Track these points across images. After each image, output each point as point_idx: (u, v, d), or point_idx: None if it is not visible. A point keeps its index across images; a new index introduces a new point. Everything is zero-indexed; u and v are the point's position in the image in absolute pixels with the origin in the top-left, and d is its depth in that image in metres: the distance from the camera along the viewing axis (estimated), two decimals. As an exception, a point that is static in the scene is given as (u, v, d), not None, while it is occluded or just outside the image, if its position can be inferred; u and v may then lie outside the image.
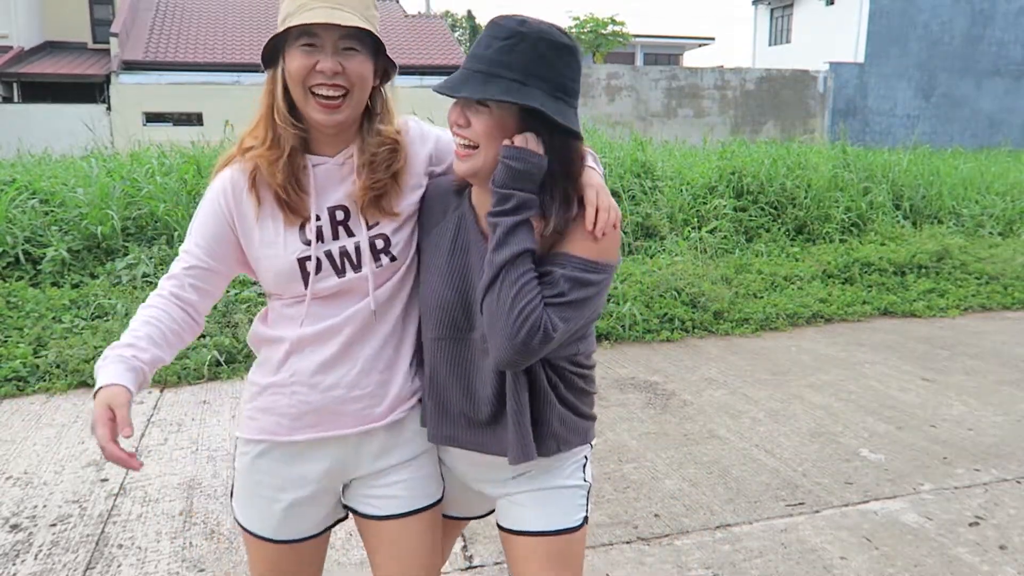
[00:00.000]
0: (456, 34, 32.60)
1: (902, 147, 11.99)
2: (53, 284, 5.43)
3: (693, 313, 5.64)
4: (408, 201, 1.48)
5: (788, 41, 28.51)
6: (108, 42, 19.01)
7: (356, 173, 1.43)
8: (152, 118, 17.05)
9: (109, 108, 16.86)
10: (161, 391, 4.37)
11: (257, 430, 1.49)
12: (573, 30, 27.12)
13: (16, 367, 4.36)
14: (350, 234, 1.44)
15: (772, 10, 29.28)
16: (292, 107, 1.38)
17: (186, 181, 6.53)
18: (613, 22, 26.90)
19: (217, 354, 4.62)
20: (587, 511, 1.51)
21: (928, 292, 6.44)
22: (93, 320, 4.96)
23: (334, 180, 1.44)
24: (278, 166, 1.38)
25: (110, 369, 1.32)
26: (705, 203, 7.57)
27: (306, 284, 1.42)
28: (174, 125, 16.57)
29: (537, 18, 1.30)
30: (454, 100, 1.31)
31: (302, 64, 1.33)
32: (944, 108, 23.68)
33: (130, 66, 17.96)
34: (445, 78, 1.31)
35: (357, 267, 1.44)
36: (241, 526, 1.54)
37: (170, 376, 4.46)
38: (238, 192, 1.42)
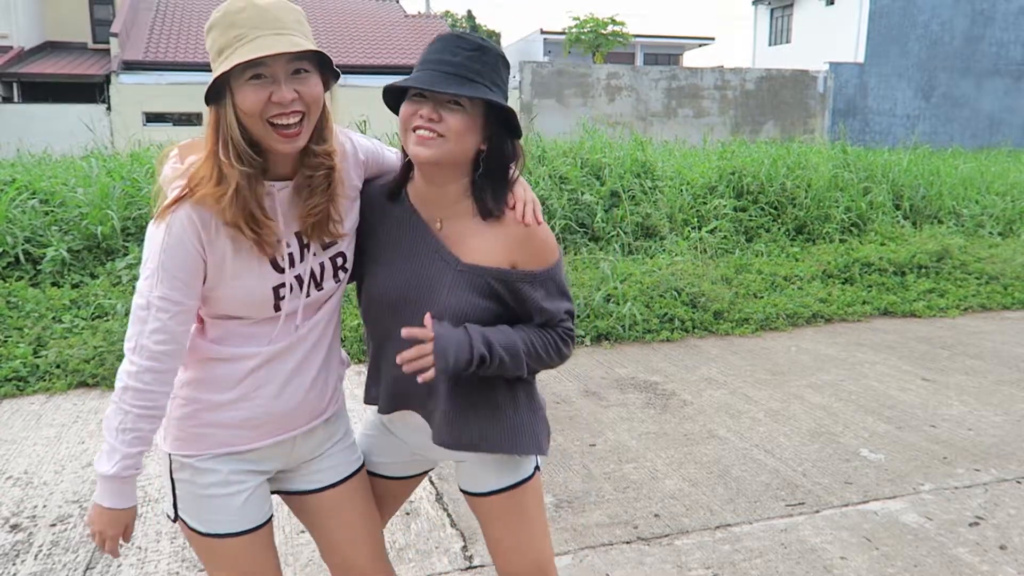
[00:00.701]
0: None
1: (902, 147, 12.00)
2: (53, 284, 5.43)
3: (693, 313, 5.64)
4: (351, 217, 1.54)
5: (788, 41, 28.51)
6: (108, 42, 19.02)
7: (303, 197, 1.44)
8: (152, 118, 17.05)
9: (109, 108, 16.86)
10: (161, 391, 4.37)
11: (213, 444, 1.50)
12: (573, 30, 27.15)
13: (16, 367, 4.37)
14: (313, 254, 1.49)
15: (772, 10, 29.28)
16: (247, 139, 1.34)
17: (186, 181, 6.52)
18: (613, 22, 26.91)
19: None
20: (537, 460, 1.67)
21: (928, 292, 6.44)
22: (93, 320, 4.96)
23: (293, 206, 1.45)
24: (227, 203, 1.33)
25: (128, 488, 1.45)
26: (705, 203, 7.57)
27: (277, 308, 1.46)
28: (174, 125, 16.58)
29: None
30: (414, 97, 1.43)
31: (257, 99, 1.30)
32: (944, 108, 23.68)
33: (130, 66, 17.96)
34: (410, 76, 1.41)
35: (319, 286, 1.51)
36: (202, 535, 1.52)
37: (170, 376, 4.45)
38: (207, 227, 1.36)
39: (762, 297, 6.09)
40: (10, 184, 6.29)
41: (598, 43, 27.17)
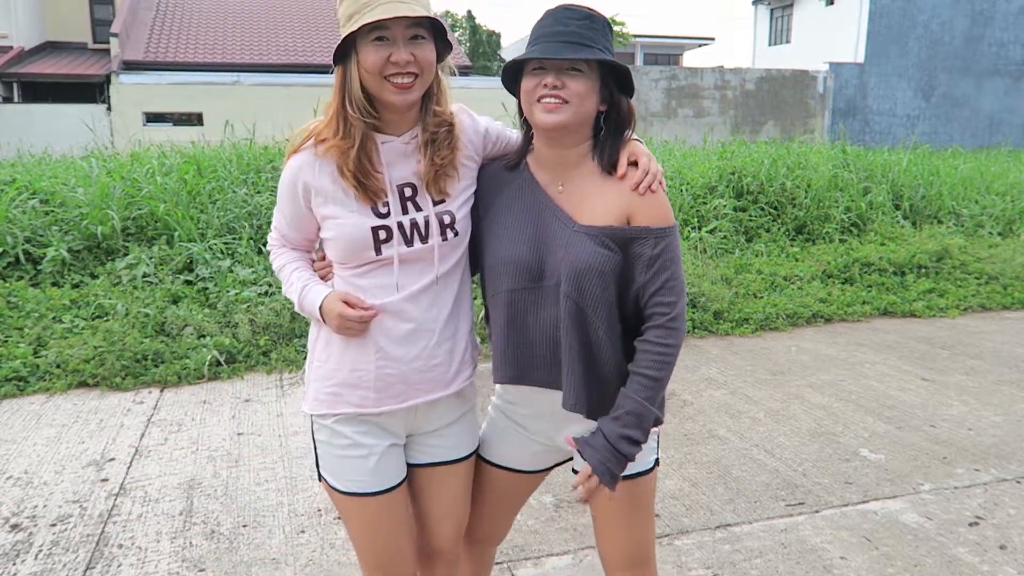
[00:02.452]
0: (456, 34, 32.61)
1: (902, 147, 11.99)
2: (53, 284, 5.43)
3: (693, 313, 5.64)
4: (466, 181, 1.65)
5: (788, 41, 28.50)
6: (108, 42, 19.02)
7: (420, 152, 1.58)
8: (152, 118, 17.03)
9: (109, 108, 16.85)
10: (161, 391, 4.37)
11: (344, 404, 1.61)
12: (573, 30, 27.07)
13: (16, 367, 4.36)
14: (418, 208, 1.58)
15: (772, 10, 29.27)
16: (365, 95, 1.52)
17: (186, 181, 6.53)
18: (613, 22, 26.91)
19: (217, 354, 4.62)
20: (658, 454, 1.72)
21: (928, 292, 6.44)
22: (93, 320, 4.96)
23: (400, 158, 1.58)
24: (351, 154, 1.51)
25: (317, 288, 1.60)
26: (705, 203, 7.57)
27: (378, 251, 1.55)
28: (174, 125, 16.56)
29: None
30: (534, 70, 1.51)
31: (378, 58, 1.47)
32: (944, 108, 23.66)
33: (130, 66, 17.97)
34: (527, 52, 1.51)
35: (424, 239, 1.58)
36: (339, 492, 1.64)
37: (170, 376, 4.46)
38: (312, 174, 1.55)
39: (762, 297, 6.09)
40: (10, 184, 6.29)
41: (598, 43, 27.14)
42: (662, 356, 1.53)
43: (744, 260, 6.82)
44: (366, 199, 1.54)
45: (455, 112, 1.64)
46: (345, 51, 1.51)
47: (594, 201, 1.56)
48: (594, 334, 1.56)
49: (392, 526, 1.65)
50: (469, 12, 37.16)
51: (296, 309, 1.64)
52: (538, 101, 1.50)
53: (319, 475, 1.68)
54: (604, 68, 1.52)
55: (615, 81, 1.55)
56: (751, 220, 7.56)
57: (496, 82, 19.84)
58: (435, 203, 1.59)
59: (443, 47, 1.56)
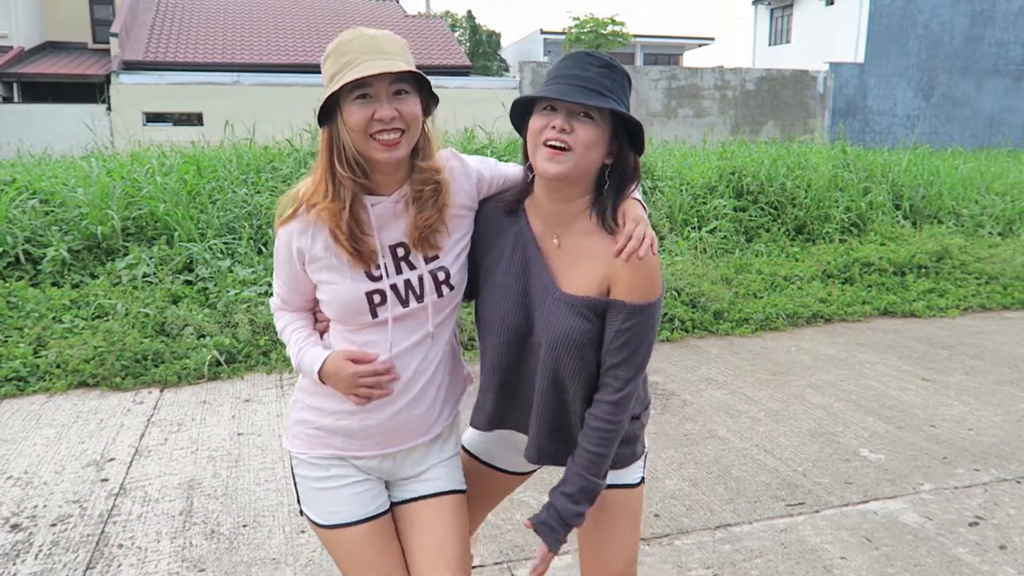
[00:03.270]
0: (456, 34, 32.60)
1: (902, 147, 11.99)
2: (53, 284, 5.43)
3: (693, 313, 5.64)
4: (459, 233, 1.61)
5: (788, 41, 28.50)
6: (108, 42, 19.01)
7: (411, 208, 1.54)
8: (152, 118, 17.04)
9: (109, 108, 16.85)
10: (161, 391, 4.37)
11: (325, 447, 1.63)
12: (573, 30, 27.15)
13: (16, 367, 4.36)
14: (411, 267, 1.57)
15: (772, 10, 29.27)
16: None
17: (186, 181, 6.53)
18: (613, 22, 26.90)
19: (217, 354, 4.62)
20: (644, 472, 1.74)
21: (928, 292, 6.44)
22: (93, 320, 4.96)
23: (391, 219, 1.55)
24: (342, 217, 1.49)
25: (313, 351, 1.59)
26: (705, 203, 7.57)
27: (374, 315, 1.55)
28: (174, 125, 16.56)
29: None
30: (544, 109, 1.47)
31: (362, 117, 1.44)
32: (944, 108, 23.66)
33: (130, 66, 17.96)
34: (541, 90, 1.46)
35: (420, 298, 1.57)
36: (323, 527, 1.63)
37: (170, 376, 4.46)
38: (305, 241, 1.54)
39: (762, 297, 6.09)
40: (10, 184, 6.29)
41: (598, 43, 27.15)
42: (607, 433, 1.53)
43: (744, 260, 6.82)
44: (359, 264, 1.52)
45: (446, 159, 1.60)
46: (330, 111, 1.48)
47: (583, 264, 1.53)
48: (569, 398, 1.58)
49: (375, 555, 1.61)
50: (469, 12, 37.09)
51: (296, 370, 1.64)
52: (544, 144, 1.45)
53: (300, 510, 1.68)
54: (616, 120, 1.48)
55: (626, 134, 1.50)
56: (751, 220, 7.56)
57: (495, 82, 19.83)
58: (428, 260, 1.57)
59: (429, 100, 1.54)
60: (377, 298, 1.54)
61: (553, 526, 1.57)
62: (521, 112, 1.54)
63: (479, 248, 1.63)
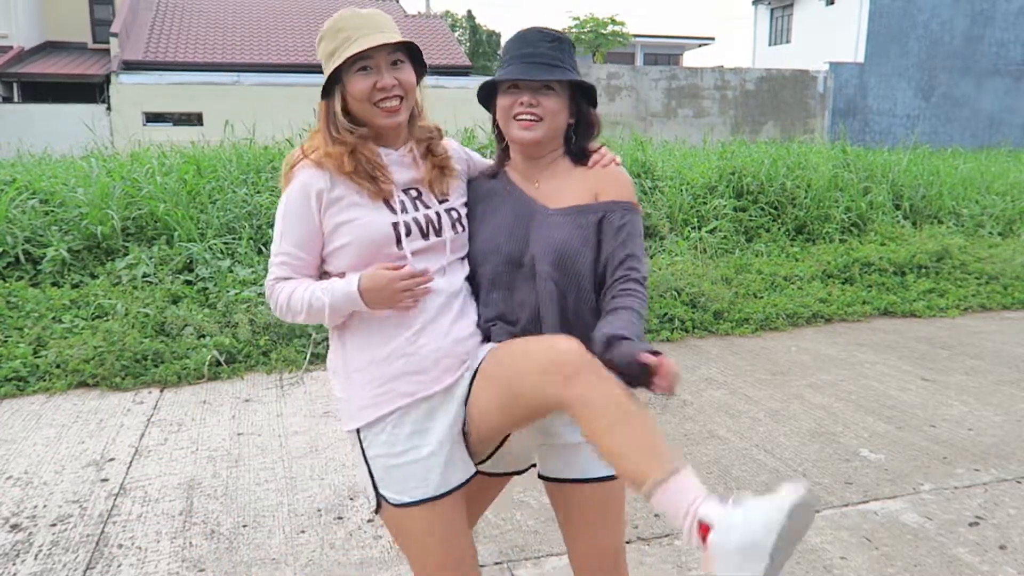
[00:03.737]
0: (456, 34, 32.58)
1: (902, 147, 11.99)
2: (53, 284, 5.43)
3: (693, 313, 5.64)
4: (461, 184, 1.78)
5: (788, 41, 28.50)
6: (108, 42, 19.02)
7: (418, 160, 1.69)
8: (152, 118, 17.04)
9: (109, 108, 16.85)
10: (161, 391, 4.37)
11: (399, 397, 1.59)
12: (573, 30, 27.15)
13: (16, 367, 4.37)
14: (426, 207, 1.67)
15: (772, 10, 29.27)
16: (351, 119, 1.62)
17: (186, 181, 6.53)
18: (613, 22, 26.91)
19: (217, 354, 4.62)
20: None
21: (928, 292, 6.44)
22: (93, 320, 4.96)
23: (401, 167, 1.68)
24: (345, 158, 1.58)
25: (340, 282, 1.58)
26: (705, 203, 7.56)
27: (399, 245, 1.60)
28: (174, 125, 16.57)
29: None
30: (508, 89, 1.66)
31: (365, 85, 1.58)
32: (944, 108, 23.66)
33: (130, 66, 17.96)
34: (503, 73, 1.65)
35: (439, 232, 1.67)
36: (402, 505, 1.59)
37: (170, 376, 4.46)
38: (324, 181, 1.59)
39: (762, 297, 6.09)
40: (10, 184, 6.29)
41: (598, 43, 27.16)
42: (643, 300, 1.62)
43: (744, 260, 6.82)
44: (379, 195, 1.61)
45: (436, 126, 1.77)
46: (329, 86, 1.61)
47: (566, 189, 1.70)
48: (570, 308, 1.65)
49: (460, 532, 1.62)
50: (469, 12, 37.09)
51: (327, 320, 1.60)
52: (515, 118, 1.64)
53: (377, 499, 1.62)
54: (572, 85, 1.68)
55: (583, 95, 1.72)
56: (751, 220, 7.55)
57: (496, 82, 19.78)
58: (440, 201, 1.70)
59: (419, 69, 1.68)
60: (402, 228, 1.61)
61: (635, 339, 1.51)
62: (487, 94, 1.73)
63: (470, 211, 1.77)
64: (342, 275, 1.62)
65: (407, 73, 1.62)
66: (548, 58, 1.63)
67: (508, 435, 1.71)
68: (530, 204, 1.71)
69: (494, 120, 1.73)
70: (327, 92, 1.62)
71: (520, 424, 1.61)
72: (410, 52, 1.64)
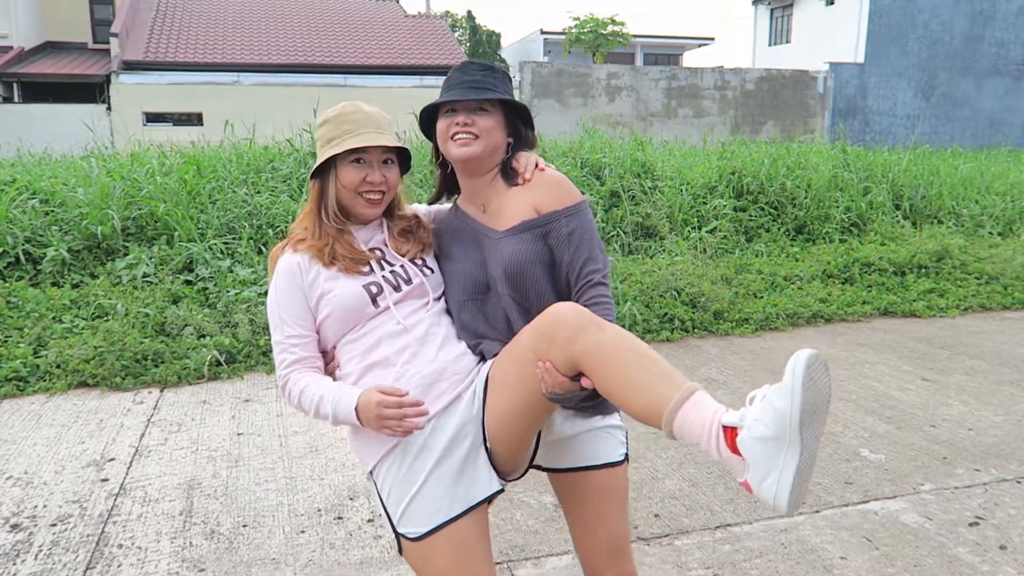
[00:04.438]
0: (456, 34, 32.58)
1: (902, 147, 11.98)
2: (53, 284, 5.43)
3: (693, 313, 5.64)
4: (426, 245, 1.89)
5: (788, 41, 28.50)
6: (108, 42, 19.01)
7: (384, 223, 1.85)
8: (152, 118, 17.05)
9: (109, 108, 16.86)
10: (161, 391, 4.37)
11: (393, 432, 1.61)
12: (573, 30, 27.16)
13: (16, 367, 4.36)
14: (390, 264, 1.80)
15: (772, 10, 29.27)
16: (339, 206, 1.78)
17: (186, 181, 6.53)
18: (613, 22, 26.91)
19: (217, 354, 4.62)
20: (627, 449, 1.81)
21: (928, 292, 6.44)
22: (93, 320, 4.96)
23: (367, 235, 1.84)
24: (326, 251, 1.75)
25: (344, 392, 1.63)
26: (705, 203, 7.56)
27: (375, 304, 1.72)
28: (174, 125, 16.57)
29: None
30: (446, 112, 1.76)
31: (355, 177, 1.75)
32: (944, 108, 23.67)
33: (130, 66, 17.96)
34: (443, 94, 1.76)
35: (408, 281, 1.78)
36: (425, 535, 1.57)
37: (170, 376, 4.46)
38: (304, 268, 1.75)
39: (762, 297, 6.09)
40: (10, 184, 6.29)
41: (598, 43, 27.17)
42: (607, 305, 1.67)
43: (744, 260, 6.82)
44: (352, 269, 1.74)
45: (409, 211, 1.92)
46: (323, 168, 1.77)
47: (509, 207, 1.76)
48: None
49: (484, 546, 1.62)
50: (469, 12, 37.08)
51: (332, 424, 1.67)
52: (452, 138, 1.73)
53: (397, 539, 1.61)
54: (507, 108, 1.78)
55: (519, 118, 1.81)
56: (751, 220, 7.55)
57: (496, 82, 19.77)
58: (401, 255, 1.82)
59: (404, 168, 1.85)
60: (374, 288, 1.73)
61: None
62: (428, 122, 1.83)
63: (440, 249, 1.89)
64: (333, 350, 1.76)
65: (394, 174, 1.80)
66: (480, 83, 1.74)
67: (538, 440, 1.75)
68: (482, 230, 1.79)
69: (435, 147, 1.84)
70: (317, 173, 1.78)
71: (543, 416, 1.61)
72: (400, 155, 1.81)
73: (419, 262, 1.83)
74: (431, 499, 1.58)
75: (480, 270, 1.77)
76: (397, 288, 1.76)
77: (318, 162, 1.76)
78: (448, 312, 1.82)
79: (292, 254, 1.77)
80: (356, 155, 1.74)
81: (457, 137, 1.72)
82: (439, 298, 1.82)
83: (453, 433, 1.62)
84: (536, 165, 1.79)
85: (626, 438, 1.81)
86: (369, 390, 1.59)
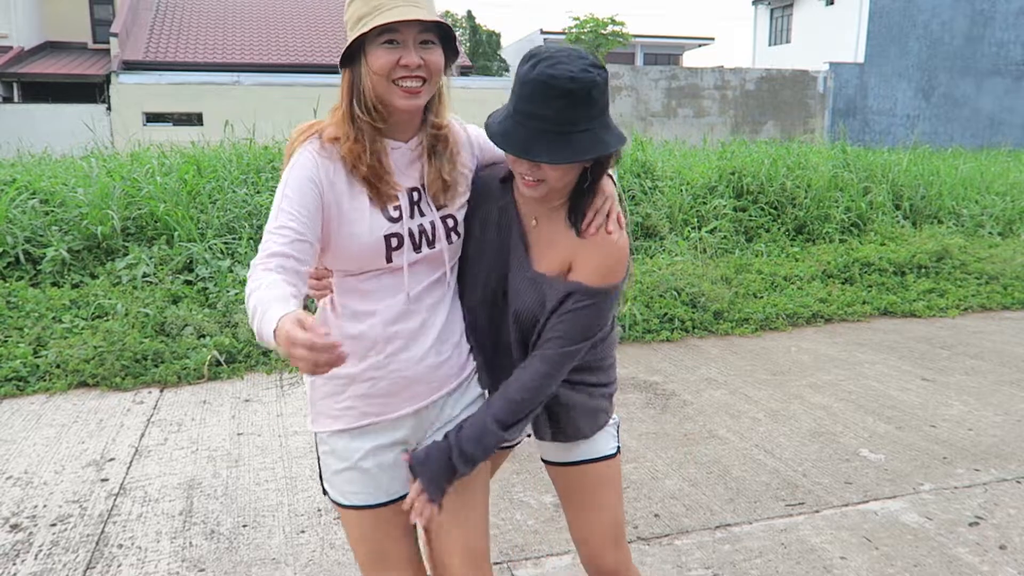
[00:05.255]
0: (456, 34, 32.46)
1: (902, 147, 11.99)
2: (53, 284, 5.43)
3: (693, 313, 5.64)
4: (463, 187, 1.64)
5: (788, 41, 28.50)
6: (108, 42, 19.03)
7: (424, 159, 1.57)
8: (152, 118, 17.04)
9: (109, 108, 16.85)
10: (161, 391, 4.37)
11: (359, 416, 1.59)
12: (573, 30, 27.15)
13: (16, 367, 4.36)
14: (422, 214, 1.57)
15: (772, 10, 29.27)
16: (376, 97, 1.48)
17: (186, 181, 6.53)
18: (613, 22, 26.89)
19: (217, 354, 4.62)
20: (618, 442, 1.81)
21: (928, 292, 6.44)
22: (93, 320, 4.96)
23: (407, 163, 1.57)
24: (364, 158, 1.49)
25: (275, 308, 1.26)
26: (705, 203, 7.56)
27: (388, 259, 1.53)
28: (174, 125, 16.57)
29: (567, 54, 1.42)
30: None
31: (387, 60, 1.44)
32: (944, 108, 23.67)
33: (130, 66, 17.97)
34: (504, 131, 1.43)
35: (432, 243, 1.57)
36: (343, 506, 1.64)
37: (170, 376, 4.46)
38: (326, 170, 1.50)
39: (762, 297, 6.09)
40: (10, 184, 6.28)
41: (598, 43, 27.14)
42: (533, 384, 1.55)
43: (744, 260, 6.82)
44: (378, 202, 1.52)
45: (452, 124, 1.64)
46: (353, 54, 1.47)
47: (552, 245, 1.58)
48: (531, 349, 1.63)
49: (393, 537, 1.65)
50: (469, 12, 37.07)
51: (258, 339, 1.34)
52: (520, 175, 1.49)
53: (323, 488, 1.69)
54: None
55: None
56: (751, 220, 7.55)
57: (496, 82, 19.82)
58: (438, 207, 1.59)
59: (451, 54, 1.53)
60: (394, 241, 1.53)
61: (430, 459, 1.54)
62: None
63: (470, 208, 1.67)
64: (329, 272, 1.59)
65: (435, 55, 1.48)
66: (555, 124, 1.39)
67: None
68: (518, 248, 1.61)
69: None
70: (348, 61, 1.49)
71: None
72: (442, 36, 1.50)
73: (450, 222, 1.60)
74: (356, 481, 1.61)
75: (499, 281, 1.64)
76: (417, 248, 1.56)
77: (346, 45, 1.46)
78: (459, 296, 1.69)
79: (319, 147, 1.50)
80: (388, 35, 1.43)
81: (525, 178, 1.48)
82: (452, 267, 1.66)
83: (401, 438, 1.63)
84: (608, 220, 1.54)
85: (618, 431, 1.84)
86: (287, 319, 1.19)
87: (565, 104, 1.38)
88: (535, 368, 1.56)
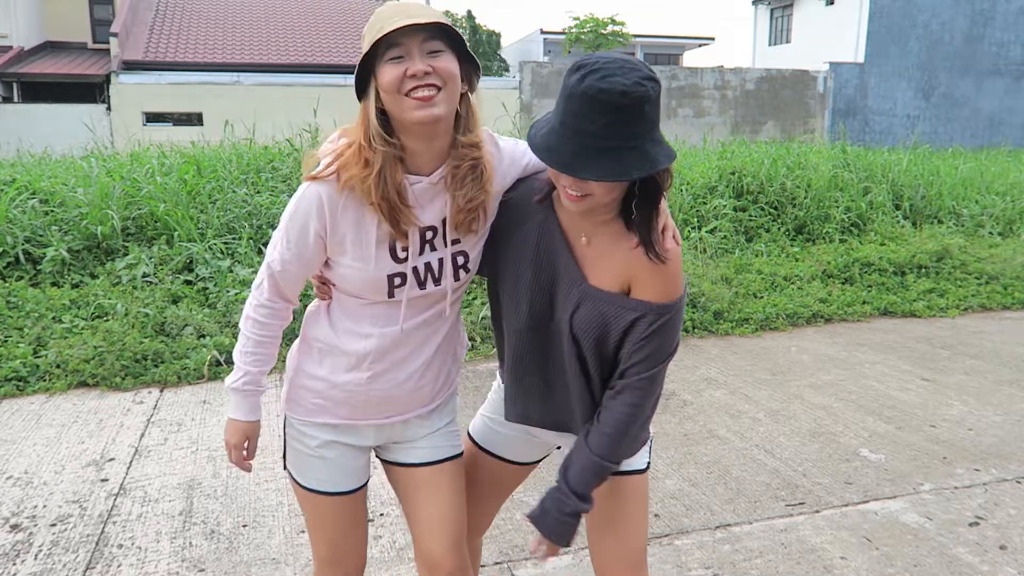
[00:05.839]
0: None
1: (902, 147, 11.98)
2: (53, 284, 5.43)
3: (693, 313, 5.64)
4: (489, 216, 1.58)
5: (788, 41, 28.50)
6: (108, 42, 19.00)
7: (447, 192, 1.50)
8: (152, 118, 17.03)
9: (109, 108, 16.85)
10: (161, 391, 4.37)
11: (327, 415, 1.65)
12: (573, 30, 27.16)
13: (16, 367, 4.36)
14: (433, 250, 1.54)
15: (772, 10, 29.27)
16: (387, 127, 1.44)
17: (186, 181, 6.53)
18: (613, 22, 26.92)
19: (217, 354, 4.62)
20: (649, 457, 1.77)
21: (928, 292, 6.44)
22: (93, 320, 4.96)
23: (429, 199, 1.51)
24: (369, 183, 1.42)
25: (249, 402, 1.64)
26: (705, 203, 7.56)
27: (390, 295, 1.54)
28: (174, 125, 16.56)
29: (619, 65, 1.30)
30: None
31: (394, 75, 1.39)
32: (944, 108, 23.66)
33: (130, 66, 17.96)
34: (548, 146, 1.34)
35: (437, 281, 1.57)
36: (302, 487, 1.69)
37: (170, 376, 4.46)
38: (332, 209, 1.46)
39: (762, 297, 6.09)
40: (10, 184, 6.28)
41: (598, 43, 27.16)
42: (629, 418, 1.57)
43: (744, 260, 6.82)
44: (388, 241, 1.49)
45: (489, 140, 1.55)
46: (366, 85, 1.44)
47: (609, 260, 1.50)
48: (592, 386, 1.60)
49: (346, 525, 1.72)
50: (469, 12, 37.10)
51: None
52: (563, 187, 1.40)
53: (284, 465, 1.74)
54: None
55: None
56: (751, 220, 7.55)
57: (497, 82, 19.82)
58: (451, 243, 1.55)
59: (468, 66, 1.47)
60: (398, 280, 1.53)
61: (548, 512, 1.59)
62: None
63: (502, 230, 1.58)
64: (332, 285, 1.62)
65: (445, 61, 1.40)
66: (603, 140, 1.30)
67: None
68: (568, 263, 1.51)
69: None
70: (363, 91, 1.45)
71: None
72: (453, 44, 1.43)
73: (460, 259, 1.56)
74: (318, 468, 1.67)
75: (547, 303, 1.54)
76: (422, 284, 1.55)
77: (356, 75, 1.44)
78: (502, 321, 1.65)
79: (328, 189, 1.45)
80: (392, 51, 1.39)
81: (568, 191, 1.39)
82: (455, 301, 1.64)
83: (362, 443, 1.70)
84: (670, 235, 1.48)
85: (650, 446, 1.80)
86: (235, 425, 1.64)
87: (615, 120, 1.29)
88: (625, 400, 1.56)
